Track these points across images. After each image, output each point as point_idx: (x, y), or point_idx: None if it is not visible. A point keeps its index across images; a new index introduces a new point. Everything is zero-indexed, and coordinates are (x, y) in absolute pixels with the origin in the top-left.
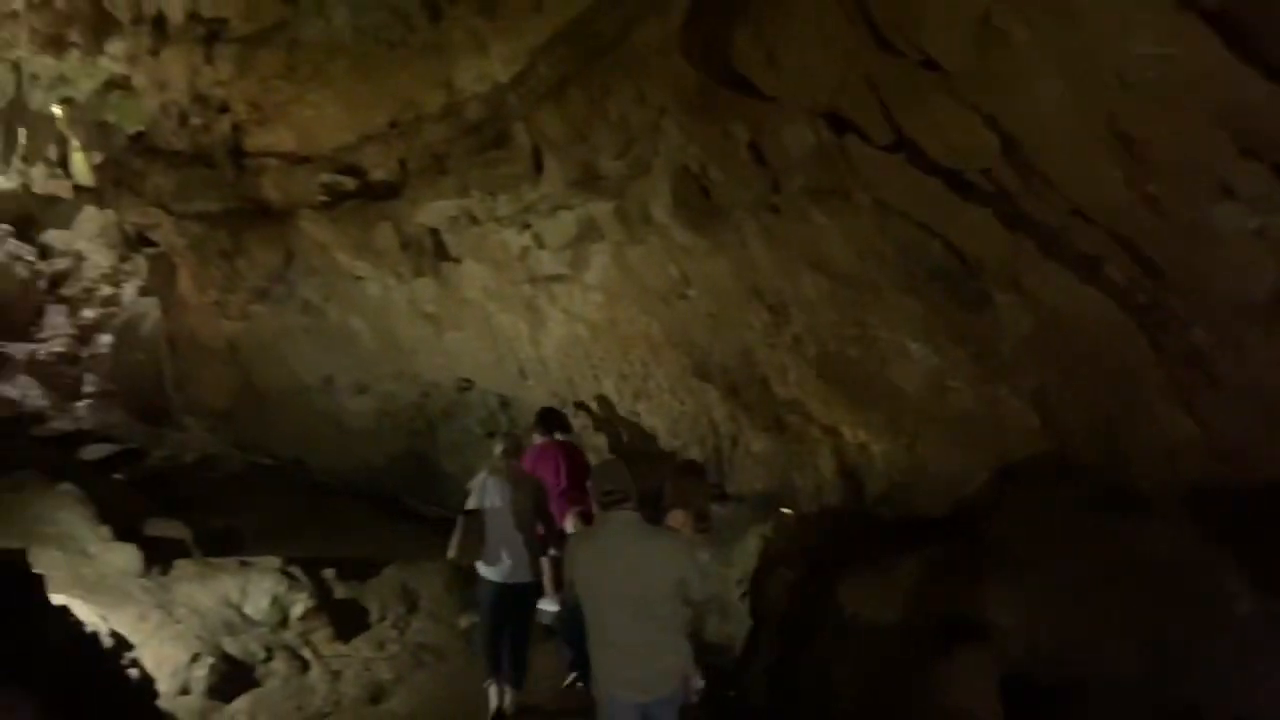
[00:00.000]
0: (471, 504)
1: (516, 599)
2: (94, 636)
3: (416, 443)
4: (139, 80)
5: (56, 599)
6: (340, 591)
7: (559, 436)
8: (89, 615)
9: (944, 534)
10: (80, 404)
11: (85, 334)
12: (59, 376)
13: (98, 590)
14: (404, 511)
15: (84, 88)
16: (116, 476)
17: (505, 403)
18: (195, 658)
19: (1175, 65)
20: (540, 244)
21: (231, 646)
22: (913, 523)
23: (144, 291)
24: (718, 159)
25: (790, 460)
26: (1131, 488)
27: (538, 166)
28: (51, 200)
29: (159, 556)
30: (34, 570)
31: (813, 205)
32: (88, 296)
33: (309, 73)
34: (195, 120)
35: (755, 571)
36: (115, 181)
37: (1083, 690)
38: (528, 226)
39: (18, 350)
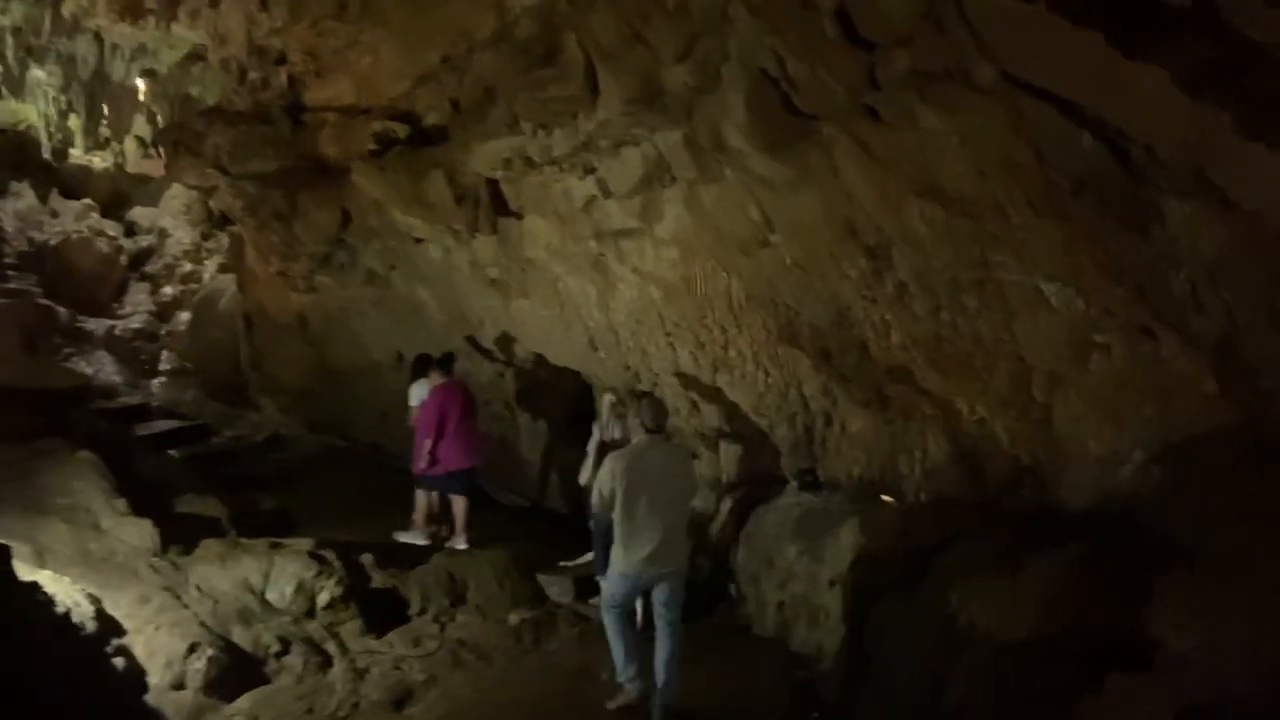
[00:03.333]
0: (605, 437)
1: None
2: (66, 618)
3: (496, 426)
4: (200, 36)
5: (40, 575)
6: (378, 580)
7: (455, 376)
8: (73, 595)
9: (1088, 530)
10: (155, 381)
11: (165, 311)
12: (136, 353)
13: (101, 568)
14: (482, 500)
15: (166, 59)
16: (171, 453)
17: (581, 380)
18: (194, 648)
19: None
20: (606, 192)
21: (242, 637)
22: (1046, 516)
23: (224, 268)
24: (798, 45)
25: (894, 440)
26: None
27: (593, 87)
28: (143, 179)
29: (184, 535)
30: None
31: (921, 101)
32: (169, 273)
33: (360, 10)
34: (253, 75)
35: (850, 571)
36: (174, 143)
37: None
38: (590, 171)
39: (97, 326)
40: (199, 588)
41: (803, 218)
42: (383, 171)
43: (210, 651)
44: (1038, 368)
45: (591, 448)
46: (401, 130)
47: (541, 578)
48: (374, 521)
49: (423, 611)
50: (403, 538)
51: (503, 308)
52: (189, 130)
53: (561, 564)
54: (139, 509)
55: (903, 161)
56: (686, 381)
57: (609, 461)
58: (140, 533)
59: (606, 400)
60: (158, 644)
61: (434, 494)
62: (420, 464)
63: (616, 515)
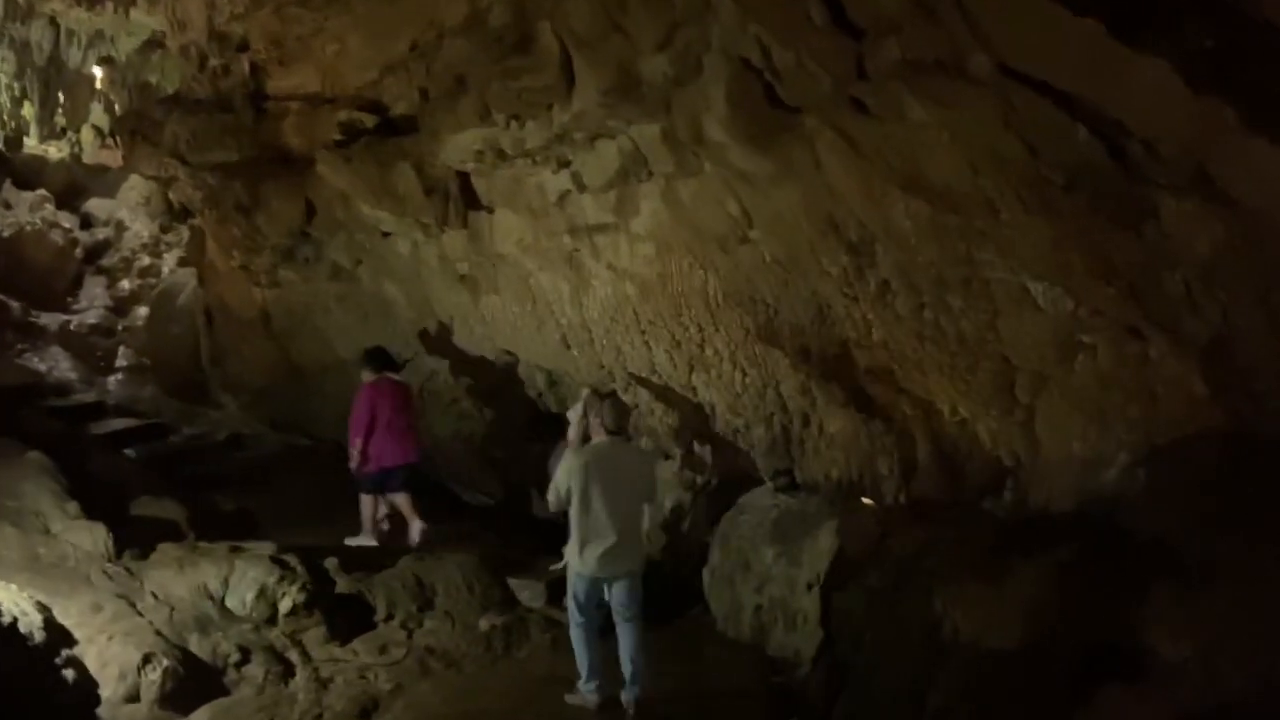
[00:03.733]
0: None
1: None
2: (13, 627)
3: (463, 426)
4: (159, 22)
5: None
6: (343, 585)
7: (390, 375)
8: (21, 602)
9: (1073, 534)
10: (112, 378)
11: (122, 306)
12: (92, 349)
13: (51, 574)
14: (450, 502)
15: (124, 47)
16: (127, 452)
17: (553, 380)
18: (148, 658)
19: None
20: (580, 186)
21: (200, 646)
22: (1029, 519)
23: (183, 262)
24: (784, 32)
25: (873, 441)
26: None
27: (568, 78)
28: (100, 170)
29: (140, 539)
30: None
31: (910, 92)
32: (127, 267)
33: None
34: (214, 62)
35: (828, 574)
36: (132, 132)
37: None
38: (565, 165)
39: (51, 321)
40: (155, 595)
41: (783, 213)
42: (349, 162)
43: (166, 662)
44: (1022, 368)
45: (574, 435)
46: (369, 120)
47: (512, 581)
48: (339, 523)
49: (389, 618)
50: (353, 542)
51: (472, 304)
52: (147, 119)
53: (551, 568)
54: (92, 512)
55: (888, 155)
56: (662, 380)
57: (567, 458)
58: (93, 537)
59: (584, 393)
60: (110, 654)
61: (379, 495)
62: (353, 464)
63: (572, 513)
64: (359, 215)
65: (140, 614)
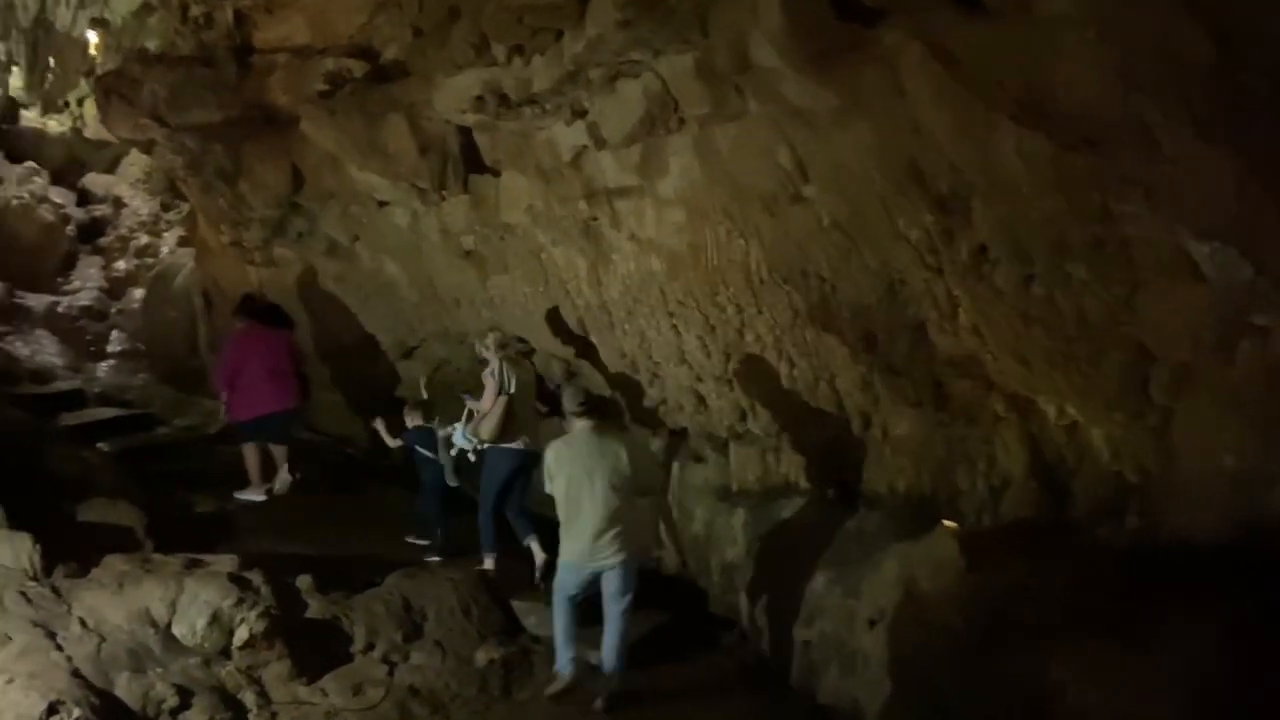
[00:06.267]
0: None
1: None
2: None
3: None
4: None
5: None
6: (316, 608)
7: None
8: None
9: (1239, 576)
10: (102, 364)
11: (117, 287)
12: (82, 332)
13: None
14: (460, 503)
15: (119, 9)
16: (100, 445)
17: (571, 370)
18: (55, 708)
19: None
20: (598, 140)
21: (129, 688)
22: (1167, 553)
23: (184, 241)
24: None
25: (951, 448)
26: None
27: None
28: (102, 144)
29: (82, 550)
30: None
31: None
32: (124, 246)
33: None
34: (196, 10)
35: (898, 610)
36: (107, 91)
37: None
38: (580, 115)
39: (37, 302)
40: (84, 622)
41: (848, 162)
42: (332, 115)
43: (77, 711)
44: (1162, 358)
45: (486, 402)
46: (357, 68)
47: (517, 604)
48: (328, 530)
49: (369, 648)
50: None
51: (479, 284)
52: (124, 76)
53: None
54: (23, 518)
55: (1001, 71)
56: (694, 371)
57: (548, 453)
58: (14, 549)
59: (491, 340)
60: (7, 702)
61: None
62: (227, 415)
63: (559, 505)
64: (350, 181)
65: (60, 647)
